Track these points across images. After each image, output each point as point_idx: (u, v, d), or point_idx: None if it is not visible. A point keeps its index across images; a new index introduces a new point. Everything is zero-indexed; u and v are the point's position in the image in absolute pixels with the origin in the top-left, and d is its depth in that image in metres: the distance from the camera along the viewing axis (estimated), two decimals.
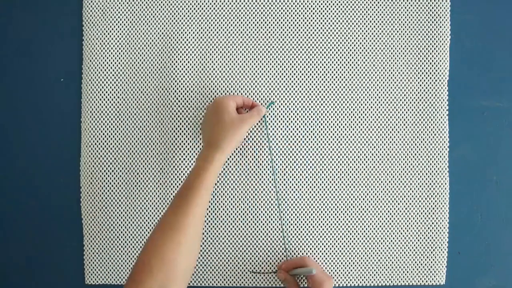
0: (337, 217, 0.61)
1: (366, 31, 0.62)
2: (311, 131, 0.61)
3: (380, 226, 0.62)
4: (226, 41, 0.62)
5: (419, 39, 0.62)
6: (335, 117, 0.62)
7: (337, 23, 0.62)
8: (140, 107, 0.62)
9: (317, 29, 0.62)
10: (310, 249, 0.61)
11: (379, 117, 0.62)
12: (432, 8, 0.62)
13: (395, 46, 0.62)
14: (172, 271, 0.46)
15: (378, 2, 0.62)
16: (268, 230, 0.61)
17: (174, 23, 0.62)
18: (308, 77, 0.62)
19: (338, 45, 0.62)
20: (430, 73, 0.62)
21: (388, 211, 0.62)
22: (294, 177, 0.61)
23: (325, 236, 0.61)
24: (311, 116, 0.62)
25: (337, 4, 0.62)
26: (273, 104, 0.61)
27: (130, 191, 0.61)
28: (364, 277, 0.61)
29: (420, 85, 0.62)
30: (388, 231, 0.62)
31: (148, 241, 0.48)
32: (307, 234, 0.61)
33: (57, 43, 0.62)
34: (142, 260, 0.46)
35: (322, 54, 0.62)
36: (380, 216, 0.62)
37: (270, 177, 0.61)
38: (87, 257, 0.61)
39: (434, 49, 0.62)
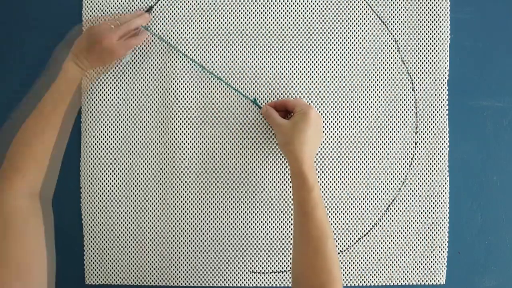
0: (337, 217, 0.61)
1: (366, 31, 0.62)
2: None
3: (380, 226, 0.62)
4: (226, 41, 0.62)
5: (418, 39, 0.62)
6: (335, 117, 0.62)
7: (336, 23, 0.62)
8: (140, 107, 0.62)
9: (316, 29, 0.62)
10: None
11: (379, 117, 0.62)
12: (432, 8, 0.62)
13: (394, 46, 0.62)
14: (37, 162, 0.51)
15: (378, 2, 0.62)
16: (268, 230, 0.61)
17: (174, 22, 0.62)
18: (308, 77, 0.62)
19: (338, 45, 0.62)
20: (430, 73, 0.62)
21: (388, 211, 0.62)
22: None
23: None
24: None
25: (337, 4, 0.62)
26: (255, 101, 0.61)
27: (130, 191, 0.61)
28: (365, 277, 0.62)
29: (420, 85, 0.62)
30: (388, 230, 0.62)
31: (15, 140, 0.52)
32: None
33: (57, 43, 0.62)
34: (9, 158, 0.50)
35: (322, 54, 0.62)
36: (380, 216, 0.62)
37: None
38: (87, 257, 0.62)
39: (434, 49, 0.62)
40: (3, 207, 0.47)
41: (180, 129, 0.61)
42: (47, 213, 0.52)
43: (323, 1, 0.62)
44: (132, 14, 0.60)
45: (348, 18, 0.62)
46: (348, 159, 0.62)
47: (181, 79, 0.61)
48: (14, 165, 0.50)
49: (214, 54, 0.62)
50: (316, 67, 0.62)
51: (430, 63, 0.62)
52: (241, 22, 0.62)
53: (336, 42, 0.62)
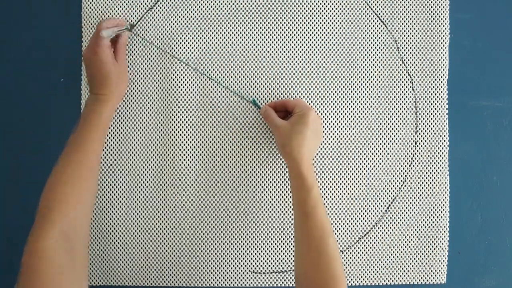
0: (337, 217, 0.61)
1: (365, 31, 0.62)
2: None
3: (380, 226, 0.62)
4: (225, 41, 0.62)
5: (418, 38, 0.62)
6: (335, 117, 0.62)
7: (336, 23, 0.62)
8: (140, 107, 0.62)
9: (316, 29, 0.62)
10: None
11: (379, 117, 0.62)
12: (432, 7, 0.62)
13: (394, 46, 0.62)
14: (72, 223, 0.48)
15: (377, 2, 0.62)
16: (268, 230, 0.61)
17: (173, 22, 0.62)
18: (308, 77, 0.62)
19: (337, 45, 0.62)
20: (430, 73, 0.62)
21: (388, 211, 0.62)
22: None
23: None
24: None
25: (336, 4, 0.62)
26: (254, 102, 0.61)
27: (130, 191, 0.61)
28: (365, 277, 0.61)
29: (420, 85, 0.62)
30: (388, 230, 0.62)
31: (45, 189, 0.50)
32: None
33: (57, 43, 0.62)
34: (40, 212, 0.48)
35: (321, 54, 0.62)
36: (380, 216, 0.62)
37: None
38: (89, 258, 0.61)
39: (434, 48, 0.62)
40: (39, 254, 0.46)
41: (180, 129, 0.61)
42: (83, 256, 0.51)
43: (322, 1, 0.62)
44: (111, 21, 0.58)
45: (348, 18, 0.62)
46: (348, 159, 0.62)
47: (181, 79, 0.61)
48: (49, 211, 0.49)
49: (214, 54, 0.62)
50: (316, 67, 0.62)
51: (430, 62, 0.62)
52: (241, 22, 0.62)
53: (336, 42, 0.62)
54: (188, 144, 0.61)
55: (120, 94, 0.59)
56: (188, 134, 0.61)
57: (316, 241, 0.49)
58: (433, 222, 0.62)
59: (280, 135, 0.55)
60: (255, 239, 0.61)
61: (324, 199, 0.61)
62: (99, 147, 0.55)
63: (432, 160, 0.62)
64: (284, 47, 0.62)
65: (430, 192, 0.62)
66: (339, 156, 0.62)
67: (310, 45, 0.62)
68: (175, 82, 0.61)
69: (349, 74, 0.62)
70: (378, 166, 0.62)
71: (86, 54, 0.55)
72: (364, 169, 0.62)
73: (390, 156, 0.62)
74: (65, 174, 0.51)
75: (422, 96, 0.62)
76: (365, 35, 0.62)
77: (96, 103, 0.55)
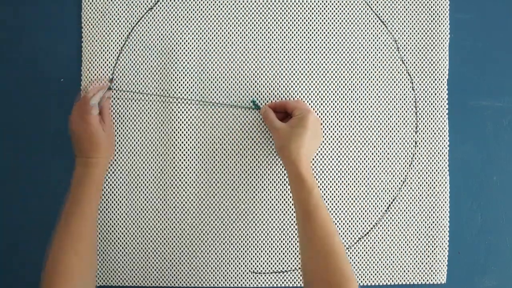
0: (337, 217, 0.61)
1: (365, 31, 0.62)
2: None
3: (380, 226, 0.62)
4: (225, 41, 0.62)
5: (418, 38, 0.62)
6: (335, 117, 0.62)
7: (336, 23, 0.62)
8: (140, 108, 0.62)
9: (316, 29, 0.62)
10: None
11: (378, 117, 0.62)
12: (431, 7, 0.62)
13: (394, 46, 0.62)
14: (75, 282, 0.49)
15: (377, 2, 0.62)
16: (268, 230, 0.61)
17: (173, 23, 0.62)
18: (308, 77, 0.62)
19: (337, 45, 0.62)
20: (430, 72, 0.62)
21: (389, 211, 0.62)
22: None
23: None
24: None
25: (336, 4, 0.62)
26: (254, 102, 0.61)
27: (130, 192, 0.61)
28: (366, 277, 0.61)
29: (420, 85, 0.62)
30: (388, 230, 0.62)
31: (48, 257, 0.50)
32: None
33: (57, 43, 0.62)
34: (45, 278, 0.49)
35: (321, 54, 0.62)
36: (380, 216, 0.62)
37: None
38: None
39: (434, 48, 0.62)
40: None
41: (180, 129, 0.61)
42: None
43: (322, 1, 0.62)
44: (94, 86, 0.59)
45: (348, 18, 0.62)
46: (348, 159, 0.62)
47: (181, 79, 0.61)
48: (54, 285, 0.49)
49: (214, 54, 0.62)
50: (316, 67, 0.62)
51: (430, 62, 0.62)
52: (241, 22, 0.62)
53: (336, 42, 0.62)
54: (188, 144, 0.61)
55: (110, 157, 0.60)
56: (188, 134, 0.61)
57: (321, 241, 0.49)
58: (433, 222, 0.62)
59: (279, 137, 0.55)
60: (255, 239, 0.61)
61: (324, 199, 0.61)
62: (96, 209, 0.56)
63: (432, 160, 0.62)
64: (284, 47, 0.62)
65: (430, 192, 0.62)
66: (339, 156, 0.62)
67: (310, 45, 0.62)
68: (175, 82, 0.61)
69: (349, 74, 0.62)
70: (378, 166, 0.62)
71: (75, 123, 0.56)
72: (364, 169, 0.62)
73: (390, 156, 0.62)
74: (66, 244, 0.51)
75: (422, 96, 0.62)
76: (365, 35, 0.62)
77: (87, 166, 0.55)
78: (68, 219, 0.53)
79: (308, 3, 0.62)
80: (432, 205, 0.62)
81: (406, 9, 0.62)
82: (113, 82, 0.60)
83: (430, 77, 0.62)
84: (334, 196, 0.61)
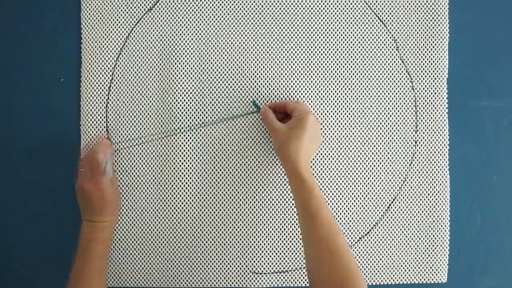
0: (338, 216, 0.61)
1: (365, 31, 0.62)
2: None
3: (381, 225, 0.62)
4: (225, 41, 0.62)
5: (418, 38, 0.62)
6: (335, 116, 0.62)
7: (335, 23, 0.62)
8: (140, 108, 0.62)
9: (315, 29, 0.62)
10: None
11: (378, 116, 0.62)
12: (431, 7, 0.62)
13: (393, 46, 0.62)
14: None
15: (377, 2, 0.62)
16: (269, 230, 0.61)
17: (173, 23, 0.62)
18: (307, 77, 0.62)
19: (337, 45, 0.62)
20: (429, 72, 0.62)
21: (389, 211, 0.62)
22: None
23: None
24: None
25: (336, 4, 0.62)
26: (254, 102, 0.61)
27: (130, 193, 0.61)
28: (367, 276, 0.61)
29: (420, 85, 0.62)
30: (389, 230, 0.62)
31: None
32: None
33: (57, 43, 0.62)
34: None
35: (321, 54, 0.62)
36: (381, 216, 0.62)
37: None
38: None
39: (433, 48, 0.62)
40: None
41: (180, 129, 0.61)
42: None
43: (322, 1, 0.62)
44: (94, 146, 0.59)
45: (347, 18, 0.62)
46: (348, 159, 0.62)
47: (181, 79, 0.61)
48: None
49: (214, 55, 0.62)
50: (316, 67, 0.62)
51: (429, 63, 0.62)
52: (241, 22, 0.62)
53: (336, 42, 0.62)
54: (188, 144, 0.61)
55: (116, 218, 0.60)
56: (188, 134, 0.61)
57: (325, 240, 0.49)
58: (433, 222, 0.62)
59: (277, 138, 0.55)
60: (256, 239, 0.61)
61: (325, 198, 0.61)
62: (105, 265, 0.56)
63: (432, 160, 0.62)
64: (284, 47, 0.62)
65: (430, 192, 0.62)
66: (339, 156, 0.62)
67: (310, 45, 0.62)
68: (175, 82, 0.61)
69: (349, 74, 0.62)
70: (378, 166, 0.62)
71: (87, 184, 0.55)
72: (364, 169, 0.62)
73: (390, 156, 0.62)
74: None
75: (422, 96, 0.62)
76: (365, 35, 0.62)
77: (95, 231, 0.56)
78: (77, 281, 0.54)
79: (308, 3, 0.62)
80: (432, 205, 0.62)
81: (406, 9, 0.62)
82: (109, 133, 0.61)
83: (430, 77, 0.62)
84: (334, 196, 0.61)
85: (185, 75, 0.61)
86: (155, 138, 0.61)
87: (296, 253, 0.61)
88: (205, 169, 0.61)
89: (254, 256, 0.61)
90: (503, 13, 0.63)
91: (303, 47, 0.62)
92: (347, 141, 0.62)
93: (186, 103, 0.61)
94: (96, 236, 0.55)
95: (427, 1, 0.62)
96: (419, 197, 0.62)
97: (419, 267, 0.62)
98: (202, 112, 0.61)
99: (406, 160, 0.62)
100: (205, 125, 0.61)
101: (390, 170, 0.62)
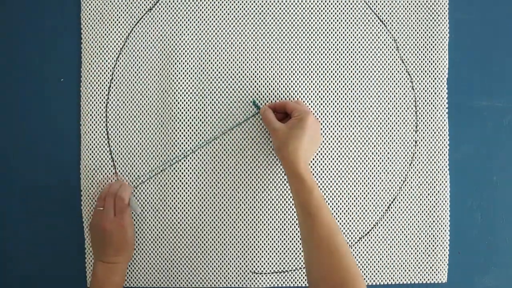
0: (338, 216, 0.61)
1: (365, 30, 0.62)
2: None
3: (381, 225, 0.62)
4: (226, 42, 0.62)
5: (417, 38, 0.62)
6: (335, 116, 0.62)
7: (335, 23, 0.62)
8: (140, 108, 0.62)
9: (316, 29, 0.62)
10: None
11: (378, 116, 0.62)
12: (431, 7, 0.62)
13: (393, 46, 0.62)
14: None
15: (377, 2, 0.62)
16: (269, 230, 0.61)
17: (173, 23, 0.62)
18: (308, 77, 0.62)
19: (337, 45, 0.62)
20: (429, 72, 0.62)
21: (389, 211, 0.62)
22: None
23: None
24: None
25: (336, 4, 0.62)
26: (255, 102, 0.61)
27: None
28: (367, 276, 0.61)
29: (420, 84, 0.62)
30: (389, 230, 0.62)
31: None
32: None
33: (57, 43, 0.62)
34: None
35: (321, 54, 0.62)
36: (381, 216, 0.62)
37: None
38: (89, 260, 0.61)
39: (433, 47, 0.62)
40: None
41: (180, 130, 0.61)
42: None
43: (322, 2, 0.62)
44: (113, 185, 0.59)
45: (348, 18, 0.62)
46: (348, 158, 0.62)
47: (181, 79, 0.61)
48: None
49: (214, 55, 0.62)
50: (316, 67, 0.62)
51: (429, 63, 0.62)
52: (241, 22, 0.62)
53: (336, 42, 0.62)
54: (188, 145, 0.61)
55: (130, 259, 0.59)
56: (188, 134, 0.61)
57: (325, 240, 0.49)
58: (433, 222, 0.62)
59: (277, 138, 0.55)
60: (256, 239, 0.61)
61: (325, 199, 0.61)
62: None
63: (432, 160, 0.62)
64: (284, 47, 0.62)
65: (430, 192, 0.62)
66: (339, 156, 0.62)
67: (310, 45, 0.62)
68: (175, 82, 0.61)
69: (349, 74, 0.62)
70: (378, 166, 0.62)
71: (109, 227, 0.55)
72: (364, 169, 0.62)
73: (390, 156, 0.62)
74: None
75: (422, 96, 0.62)
76: (365, 35, 0.62)
77: (109, 273, 0.55)
78: None
79: (308, 3, 0.62)
80: (432, 205, 0.62)
81: (406, 9, 0.62)
82: (118, 174, 0.61)
83: (430, 77, 0.62)
84: (334, 196, 0.61)
85: (185, 75, 0.61)
86: (155, 170, 0.61)
87: (296, 253, 0.61)
88: (205, 169, 0.61)
89: (254, 256, 0.61)
90: (503, 13, 0.63)
91: (303, 47, 0.62)
92: (347, 141, 0.62)
93: (186, 103, 0.61)
94: (110, 280, 0.55)
95: (427, 1, 0.62)
96: (419, 197, 0.62)
97: (419, 267, 0.62)
98: (202, 112, 0.61)
99: (406, 160, 0.62)
100: (208, 143, 0.61)
101: (390, 170, 0.62)
